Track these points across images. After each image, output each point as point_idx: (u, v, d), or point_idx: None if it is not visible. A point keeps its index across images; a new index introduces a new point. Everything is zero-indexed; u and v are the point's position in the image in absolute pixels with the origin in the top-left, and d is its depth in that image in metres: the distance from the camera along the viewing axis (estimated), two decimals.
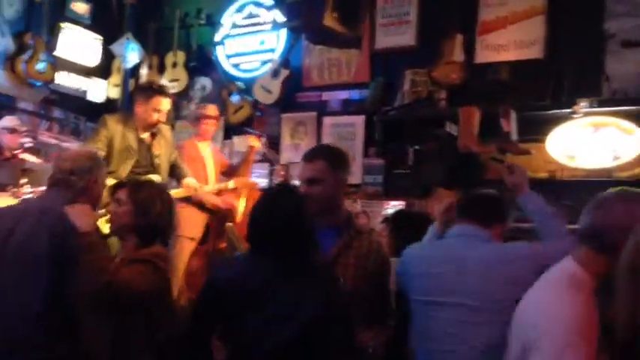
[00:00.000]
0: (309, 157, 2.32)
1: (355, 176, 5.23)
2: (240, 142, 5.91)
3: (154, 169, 3.95)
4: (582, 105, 4.17)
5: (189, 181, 4.25)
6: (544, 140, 4.36)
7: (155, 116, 3.85)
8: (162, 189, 2.41)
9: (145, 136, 3.94)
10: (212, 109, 4.82)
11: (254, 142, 4.81)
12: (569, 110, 4.26)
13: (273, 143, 5.67)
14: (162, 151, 4.00)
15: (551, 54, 4.60)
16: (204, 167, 4.58)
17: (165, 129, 4.13)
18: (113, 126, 3.83)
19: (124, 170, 3.85)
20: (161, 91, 3.89)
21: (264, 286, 1.90)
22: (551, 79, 4.53)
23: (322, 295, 1.91)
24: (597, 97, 4.23)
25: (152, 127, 3.92)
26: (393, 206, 4.94)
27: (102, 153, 3.66)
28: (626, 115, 4.15)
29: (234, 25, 6.20)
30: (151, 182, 2.48)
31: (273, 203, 2.01)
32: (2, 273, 2.23)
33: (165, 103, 3.89)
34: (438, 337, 2.14)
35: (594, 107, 4.19)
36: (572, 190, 4.30)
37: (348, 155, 2.50)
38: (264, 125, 5.27)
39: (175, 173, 4.19)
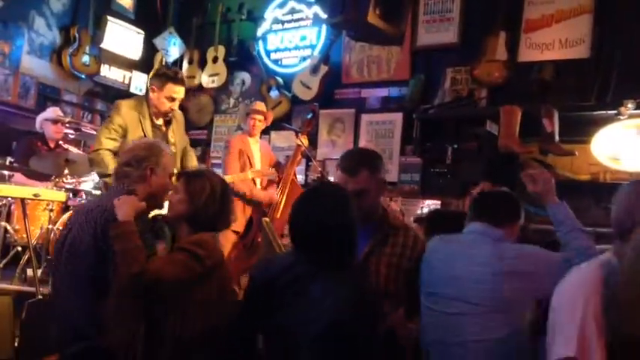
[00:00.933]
0: (351, 169, 2.23)
1: (392, 174, 5.22)
2: (278, 138, 5.95)
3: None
4: (628, 106, 4.07)
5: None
6: (587, 141, 4.27)
7: (168, 104, 3.70)
8: (216, 179, 2.40)
9: (160, 122, 3.81)
10: (261, 105, 4.84)
11: (301, 142, 4.80)
12: (614, 111, 4.15)
13: (310, 139, 5.68)
14: (177, 138, 3.90)
15: (597, 54, 4.49)
16: (252, 163, 4.60)
17: (178, 113, 3.96)
18: (127, 113, 3.67)
19: None
20: (175, 78, 3.70)
21: (293, 284, 1.90)
22: (597, 80, 4.43)
23: (351, 296, 1.88)
24: None
25: (166, 115, 3.79)
26: (428, 205, 4.91)
27: (116, 144, 3.58)
28: None
29: (276, 21, 6.23)
30: (205, 172, 2.47)
31: (312, 203, 2.00)
32: (59, 269, 2.32)
33: (179, 91, 3.72)
34: (443, 328, 2.14)
35: None
36: (614, 193, 4.20)
37: (380, 154, 2.47)
38: (311, 126, 5.21)
39: (182, 160, 4.01)
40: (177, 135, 3.85)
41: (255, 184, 4.62)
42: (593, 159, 4.25)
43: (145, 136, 3.63)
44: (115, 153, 3.50)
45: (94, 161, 3.52)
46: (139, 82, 6.64)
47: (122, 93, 6.47)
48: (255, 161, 4.63)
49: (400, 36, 4.68)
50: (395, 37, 4.74)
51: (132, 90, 6.57)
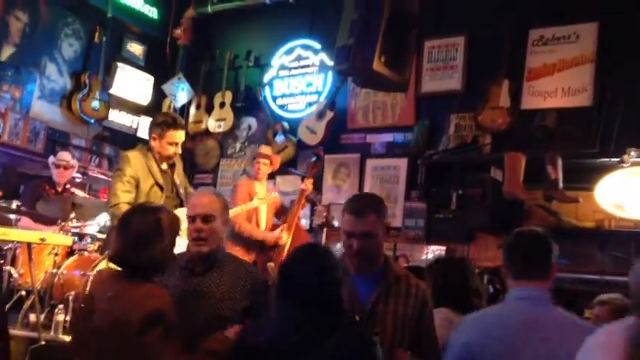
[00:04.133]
0: (360, 211, 2.24)
1: (397, 219, 5.22)
2: (283, 182, 5.98)
3: (179, 200, 3.88)
4: (632, 154, 4.09)
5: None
6: (591, 189, 4.28)
7: (171, 150, 3.78)
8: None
9: (166, 167, 3.89)
10: (267, 149, 4.90)
11: (307, 185, 4.83)
12: (617, 159, 4.18)
13: (315, 184, 5.71)
14: (180, 179, 3.99)
15: (599, 102, 4.55)
16: (258, 208, 4.61)
17: (178, 161, 4.10)
18: (137, 163, 3.74)
19: None
20: (175, 124, 3.79)
21: (299, 347, 1.84)
22: (600, 128, 4.47)
23: (363, 352, 1.86)
24: None
25: (170, 160, 3.87)
26: (433, 251, 4.89)
27: (132, 196, 3.64)
28: None
29: (282, 67, 6.35)
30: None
31: (298, 261, 2.01)
32: None
33: (180, 136, 3.81)
34: None
35: None
36: (619, 241, 4.18)
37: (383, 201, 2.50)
38: (316, 169, 5.24)
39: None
40: (180, 176, 3.94)
41: (259, 226, 4.63)
42: (598, 206, 4.25)
43: (155, 182, 3.72)
44: (133, 205, 3.48)
45: (115, 216, 3.53)
46: (147, 127, 6.73)
47: (130, 137, 6.56)
48: (261, 206, 4.65)
49: (405, 83, 4.76)
50: (400, 84, 4.81)
51: (139, 134, 6.66)
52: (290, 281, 1.97)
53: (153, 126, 3.84)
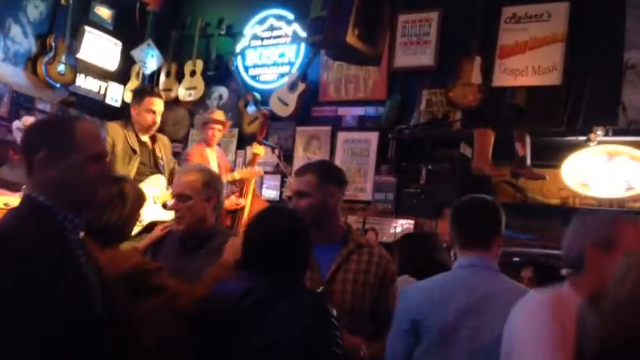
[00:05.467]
0: (299, 171, 2.40)
1: (366, 193, 5.25)
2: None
3: (158, 171, 4.00)
4: (598, 133, 4.18)
5: None
6: (558, 166, 4.37)
7: (149, 117, 3.91)
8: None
9: (146, 138, 4.01)
10: (219, 114, 4.81)
11: (258, 150, 4.80)
12: (584, 138, 4.26)
13: (286, 155, 5.69)
14: (164, 156, 4.05)
15: (568, 81, 4.61)
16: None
17: (165, 139, 4.22)
18: (114, 131, 3.88)
19: (130, 171, 3.87)
20: (152, 92, 4.01)
21: (253, 311, 1.85)
22: (568, 106, 4.54)
23: (307, 326, 1.83)
24: (613, 126, 4.23)
25: (150, 129, 3.99)
26: (401, 224, 4.94)
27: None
28: None
29: (255, 37, 6.26)
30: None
31: (265, 221, 2.02)
32: None
33: (157, 104, 3.94)
34: None
35: (609, 136, 4.19)
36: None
37: (343, 171, 2.51)
38: (279, 138, 5.26)
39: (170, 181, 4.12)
40: (164, 154, 3.98)
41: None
42: (563, 184, 4.35)
43: (132, 150, 3.81)
44: None
45: None
46: (114, 93, 6.58)
47: (97, 103, 6.41)
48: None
49: (378, 57, 4.75)
50: (373, 57, 4.81)
51: (107, 101, 6.51)
52: (258, 243, 1.96)
53: (133, 96, 4.07)
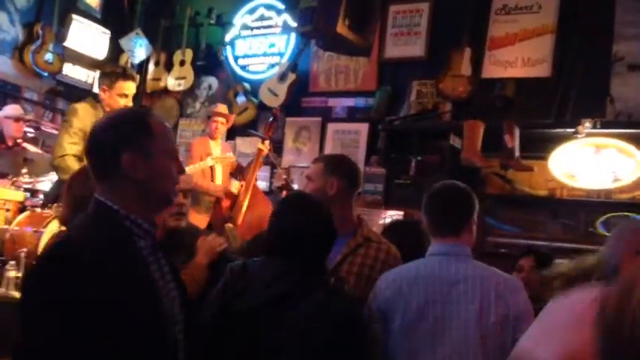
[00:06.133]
0: (314, 159, 2.50)
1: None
2: (243, 144, 5.93)
3: None
4: (586, 125, 4.20)
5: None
6: (546, 158, 4.39)
7: (121, 101, 3.68)
8: None
9: None
10: (223, 108, 4.88)
11: (263, 147, 4.80)
12: (572, 130, 4.28)
13: (276, 146, 5.68)
14: None
15: (558, 73, 4.63)
16: (213, 166, 4.60)
17: None
18: (85, 115, 3.66)
19: None
20: (125, 74, 3.72)
21: (281, 301, 1.79)
22: (557, 98, 4.56)
23: (348, 314, 1.83)
24: (601, 119, 4.25)
25: None
26: (391, 216, 4.95)
27: (79, 148, 3.58)
28: (629, 138, 4.18)
29: (245, 27, 6.22)
30: None
31: (297, 207, 1.97)
32: None
33: (129, 87, 3.72)
34: None
35: (597, 128, 4.21)
36: (570, 209, 4.32)
37: (356, 169, 2.49)
38: (272, 130, 5.24)
39: None
40: None
41: (213, 179, 4.62)
42: (551, 175, 4.37)
43: None
44: (80, 158, 3.50)
45: (60, 168, 3.53)
46: None
47: (85, 92, 6.34)
48: (216, 165, 4.63)
49: (368, 47, 4.75)
50: (363, 48, 4.80)
51: (95, 90, 6.44)
52: (289, 230, 1.90)
53: (102, 77, 3.76)
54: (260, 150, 4.75)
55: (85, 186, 2.05)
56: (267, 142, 4.78)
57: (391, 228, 3.22)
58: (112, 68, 3.81)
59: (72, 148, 3.54)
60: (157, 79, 6.40)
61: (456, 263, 2.00)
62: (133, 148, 1.37)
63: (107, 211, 1.38)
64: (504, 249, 4.21)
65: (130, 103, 3.79)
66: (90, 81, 6.47)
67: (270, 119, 4.96)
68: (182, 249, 2.29)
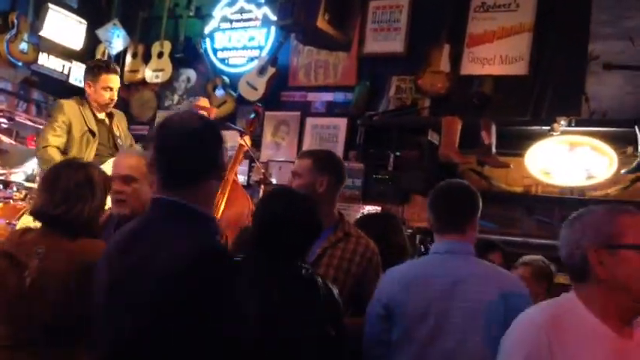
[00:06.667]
0: (302, 154, 2.52)
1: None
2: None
3: (117, 151, 3.83)
4: (561, 123, 4.25)
5: None
6: (522, 155, 4.43)
7: (106, 95, 3.76)
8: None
9: (103, 116, 3.87)
10: (204, 102, 4.79)
11: (244, 142, 4.77)
12: (547, 127, 4.33)
13: (254, 140, 5.65)
14: (121, 133, 3.95)
15: (535, 71, 4.68)
16: None
17: (120, 114, 4.09)
18: (70, 110, 3.73)
19: (89, 154, 3.73)
20: (108, 68, 3.79)
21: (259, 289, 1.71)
22: (533, 96, 4.61)
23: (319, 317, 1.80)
24: (576, 117, 4.31)
25: (107, 107, 3.85)
26: (369, 210, 4.97)
27: (62, 140, 3.64)
28: (603, 136, 4.24)
29: (224, 19, 6.17)
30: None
31: (283, 201, 1.93)
32: None
33: (114, 80, 3.79)
34: None
35: (572, 126, 4.27)
36: (545, 206, 4.38)
37: (343, 165, 2.51)
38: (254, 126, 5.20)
39: None
40: (122, 131, 3.88)
41: None
42: (527, 172, 4.42)
43: (90, 132, 3.70)
44: (62, 150, 3.59)
45: (42, 159, 3.60)
46: (78, 73, 6.43)
47: (60, 83, 6.26)
48: None
49: (348, 42, 4.74)
50: (342, 43, 4.79)
51: (71, 81, 6.36)
52: (271, 221, 1.87)
53: (86, 72, 3.84)
54: (241, 145, 4.72)
55: (74, 177, 2.05)
56: (247, 137, 4.75)
57: (359, 219, 3.24)
58: (95, 63, 3.91)
59: (55, 140, 3.60)
60: (134, 71, 6.33)
61: (460, 261, 2.03)
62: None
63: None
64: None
65: (115, 97, 3.84)
66: (65, 72, 6.37)
67: (252, 115, 4.93)
68: None
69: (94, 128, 3.76)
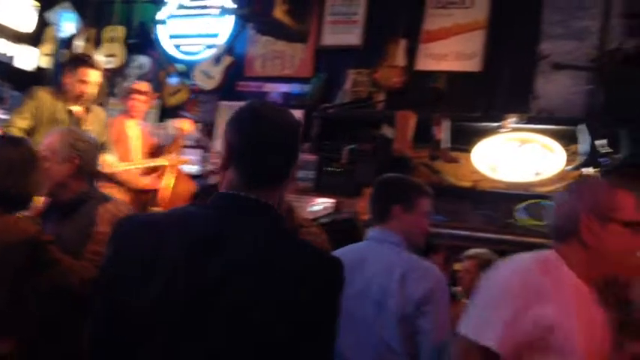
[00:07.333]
0: None
1: (297, 168, 5.23)
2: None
3: None
4: (510, 120, 4.34)
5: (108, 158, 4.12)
6: (472, 150, 4.51)
7: (80, 87, 3.85)
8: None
9: (75, 108, 3.89)
10: (143, 86, 4.65)
11: (184, 125, 4.70)
12: (498, 124, 4.42)
13: (208, 130, 5.59)
14: (94, 128, 3.93)
15: (487, 68, 4.76)
16: (129, 146, 4.42)
17: (100, 112, 4.11)
18: (42, 97, 3.83)
19: None
20: (88, 62, 3.94)
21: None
22: (485, 93, 4.69)
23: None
24: (525, 114, 4.41)
25: (79, 100, 3.89)
26: (321, 203, 4.97)
27: (28, 122, 3.72)
28: (551, 134, 4.35)
29: (180, 6, 6.06)
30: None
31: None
32: None
33: (92, 75, 3.88)
34: None
35: (521, 123, 4.36)
36: (493, 201, 4.47)
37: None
38: (201, 112, 5.18)
39: None
40: (93, 126, 3.92)
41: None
42: (475, 167, 4.50)
43: (57, 119, 3.78)
44: (27, 132, 3.66)
45: None
46: (26, 57, 6.22)
47: (6, 66, 6.04)
48: (134, 145, 4.44)
49: (305, 33, 4.74)
50: (300, 34, 4.79)
51: (16, 64, 6.14)
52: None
53: (68, 62, 4.09)
54: (180, 129, 4.65)
55: (14, 151, 2.04)
56: (188, 121, 4.68)
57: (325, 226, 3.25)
58: (78, 55, 4.23)
59: (20, 122, 3.71)
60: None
61: (376, 248, 2.14)
62: None
63: None
64: (431, 237, 4.32)
65: (90, 91, 3.92)
66: (11, 55, 6.13)
67: (192, 96, 4.86)
68: (80, 219, 2.19)
69: (63, 118, 3.82)
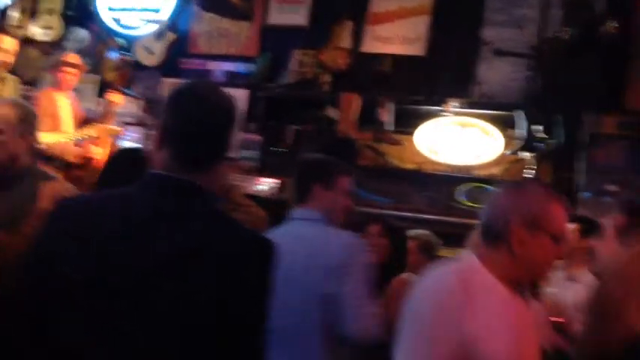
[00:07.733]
0: None
1: (231, 150, 5.18)
2: None
3: None
4: (451, 104, 4.44)
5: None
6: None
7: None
8: None
9: None
10: (74, 57, 4.48)
11: (115, 98, 4.57)
12: (440, 108, 4.50)
13: (150, 107, 5.45)
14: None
15: (431, 53, 4.83)
16: (59, 120, 4.26)
17: (14, 80, 3.90)
18: None
19: None
20: (2, 28, 3.70)
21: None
22: (428, 77, 4.76)
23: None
24: (466, 99, 4.52)
25: None
26: (265, 183, 4.96)
27: None
28: (490, 119, 4.48)
29: None
30: None
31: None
32: None
33: (6, 42, 3.79)
34: None
35: (463, 108, 4.47)
36: (435, 183, 4.58)
37: None
38: (143, 88, 5.02)
39: None
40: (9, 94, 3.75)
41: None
42: (418, 150, 4.58)
43: None
44: None
45: None
46: None
47: None
48: (64, 118, 4.29)
49: (250, 11, 4.68)
50: (244, 11, 4.72)
51: None
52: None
53: None
54: (111, 102, 4.52)
55: None
56: (119, 94, 4.56)
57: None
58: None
59: None
60: (20, 27, 5.86)
61: (299, 227, 2.15)
62: None
63: None
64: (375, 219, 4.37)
65: (8, 59, 3.91)
66: None
67: (122, 67, 4.70)
68: (22, 193, 2.10)
69: None
